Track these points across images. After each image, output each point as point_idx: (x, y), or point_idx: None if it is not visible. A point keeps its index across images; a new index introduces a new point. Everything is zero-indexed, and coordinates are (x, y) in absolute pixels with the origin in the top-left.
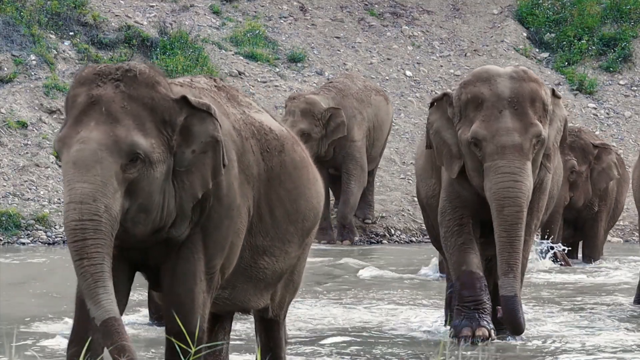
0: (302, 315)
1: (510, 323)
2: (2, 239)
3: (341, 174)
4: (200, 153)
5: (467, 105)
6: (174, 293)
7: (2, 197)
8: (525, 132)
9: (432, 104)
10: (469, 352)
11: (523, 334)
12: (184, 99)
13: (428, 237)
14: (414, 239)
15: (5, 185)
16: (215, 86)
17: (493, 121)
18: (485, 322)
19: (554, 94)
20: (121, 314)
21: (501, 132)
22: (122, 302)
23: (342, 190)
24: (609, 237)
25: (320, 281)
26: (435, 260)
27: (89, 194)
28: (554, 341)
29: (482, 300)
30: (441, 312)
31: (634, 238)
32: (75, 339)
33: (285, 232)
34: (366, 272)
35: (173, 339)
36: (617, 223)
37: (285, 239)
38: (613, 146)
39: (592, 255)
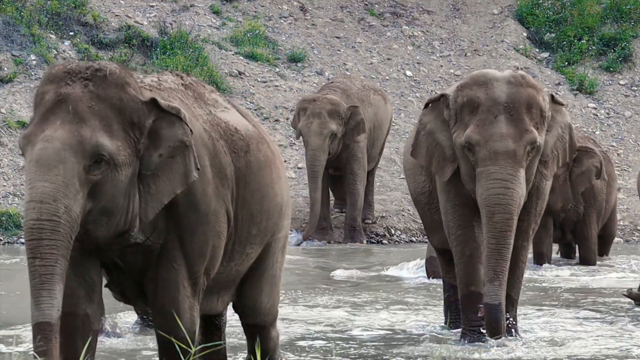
0: (298, 316)
1: (491, 330)
2: (2, 239)
3: (345, 174)
4: (168, 157)
5: (463, 108)
6: (158, 303)
7: (2, 197)
8: (520, 139)
9: (427, 105)
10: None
11: (524, 334)
12: (153, 102)
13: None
14: (414, 239)
15: (5, 185)
16: (182, 84)
17: (487, 126)
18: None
19: (554, 100)
20: (102, 315)
21: (495, 138)
22: (96, 300)
23: (349, 192)
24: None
25: (312, 282)
26: (409, 264)
27: (50, 193)
28: (554, 342)
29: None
30: (437, 314)
31: (634, 238)
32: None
33: (248, 234)
34: (341, 273)
35: (172, 339)
36: (617, 223)
37: (247, 241)
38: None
39: (586, 257)
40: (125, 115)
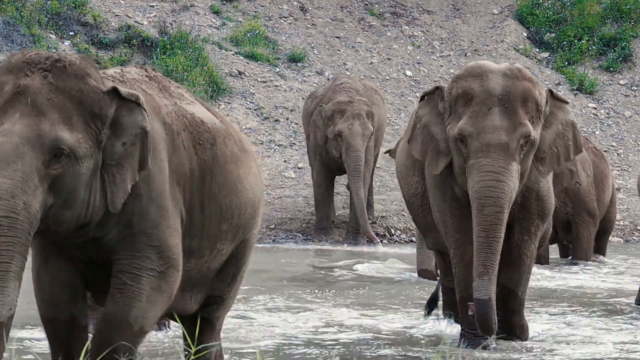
0: (297, 317)
1: (482, 326)
2: None
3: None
4: (131, 145)
5: (457, 100)
6: (120, 282)
7: None
8: (513, 132)
9: (422, 97)
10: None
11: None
12: (114, 91)
13: None
14: (414, 239)
15: None
16: (146, 76)
17: (481, 118)
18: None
19: (555, 96)
20: (84, 311)
21: (487, 130)
22: (80, 298)
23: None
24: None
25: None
26: (380, 265)
27: (8, 189)
28: (555, 342)
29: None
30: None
31: (634, 238)
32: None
33: (217, 230)
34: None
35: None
36: (617, 223)
37: (217, 237)
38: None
39: (578, 256)
40: (86, 107)
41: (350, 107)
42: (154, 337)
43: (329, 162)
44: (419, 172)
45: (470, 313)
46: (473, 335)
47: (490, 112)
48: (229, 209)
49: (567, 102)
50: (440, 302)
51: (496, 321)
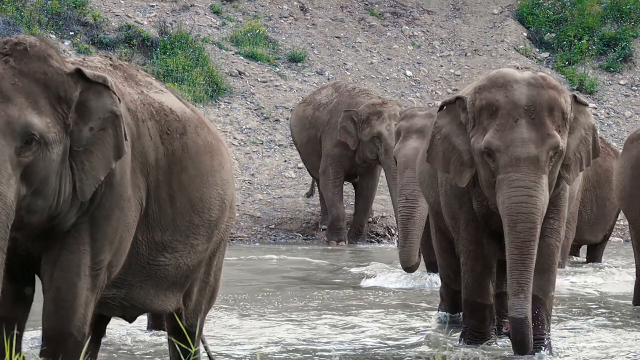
0: (298, 318)
1: (518, 346)
2: None
3: (365, 181)
4: (99, 130)
5: (482, 112)
6: (54, 288)
7: None
8: (542, 144)
9: (441, 107)
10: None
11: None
12: (78, 72)
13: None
14: None
15: None
16: (111, 65)
17: (508, 131)
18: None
19: (577, 100)
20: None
21: (516, 143)
22: (25, 295)
23: (366, 197)
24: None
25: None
26: (380, 277)
27: None
28: (555, 342)
29: (486, 331)
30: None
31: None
32: None
33: (189, 223)
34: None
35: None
36: (617, 223)
37: (189, 231)
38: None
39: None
40: (51, 90)
41: (386, 108)
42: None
43: (346, 168)
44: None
45: (504, 330)
46: (472, 337)
47: (517, 124)
48: (200, 202)
49: (588, 105)
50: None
51: (532, 340)
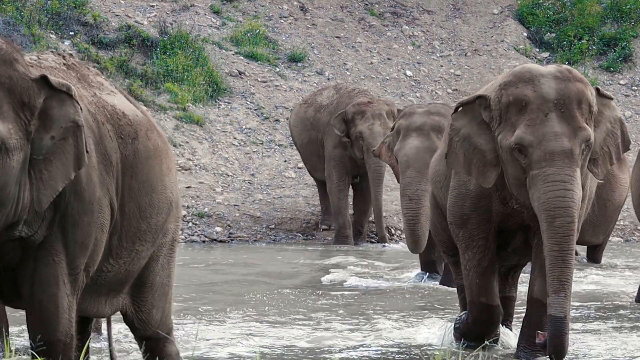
0: (298, 317)
1: (555, 345)
2: None
3: (365, 179)
4: (60, 139)
5: (509, 108)
6: (35, 300)
7: None
8: (574, 137)
9: (457, 109)
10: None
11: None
12: (43, 79)
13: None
14: None
15: None
16: (64, 64)
17: (539, 125)
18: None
19: (601, 93)
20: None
21: (549, 137)
22: None
23: (366, 199)
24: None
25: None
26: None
27: None
28: None
29: (492, 331)
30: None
31: (634, 238)
32: None
33: (137, 229)
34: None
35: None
36: (617, 223)
37: (135, 237)
38: None
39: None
40: (15, 95)
41: (370, 108)
42: None
43: (348, 169)
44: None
45: (538, 341)
46: (477, 338)
47: (548, 118)
48: (149, 208)
49: (612, 98)
50: None
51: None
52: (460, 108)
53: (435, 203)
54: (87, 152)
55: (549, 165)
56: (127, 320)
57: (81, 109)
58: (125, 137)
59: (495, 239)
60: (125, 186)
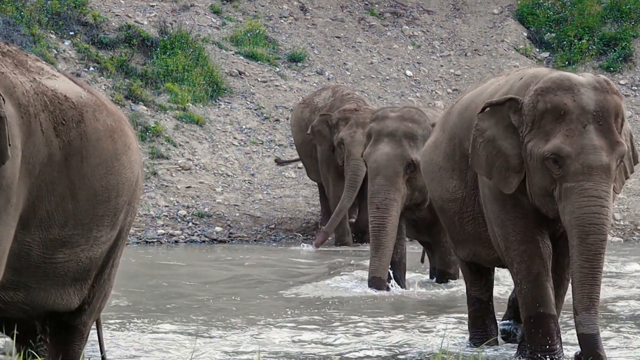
0: (298, 317)
1: None
2: None
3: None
4: None
5: (545, 115)
6: None
7: None
8: (612, 151)
9: (484, 108)
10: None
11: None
12: None
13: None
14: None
15: None
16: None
17: (577, 137)
18: None
19: None
20: None
21: (588, 150)
22: None
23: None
24: (609, 237)
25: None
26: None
27: None
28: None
29: (556, 349)
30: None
31: (634, 238)
32: None
33: (93, 215)
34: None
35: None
36: (617, 223)
37: (92, 224)
38: None
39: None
40: None
41: (354, 115)
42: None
43: (341, 173)
44: (459, 175)
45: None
46: (544, 355)
47: (586, 130)
48: (105, 191)
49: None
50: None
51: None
52: (488, 108)
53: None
54: (10, 145)
55: (587, 180)
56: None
57: (4, 99)
58: (67, 121)
59: (541, 241)
60: (74, 173)
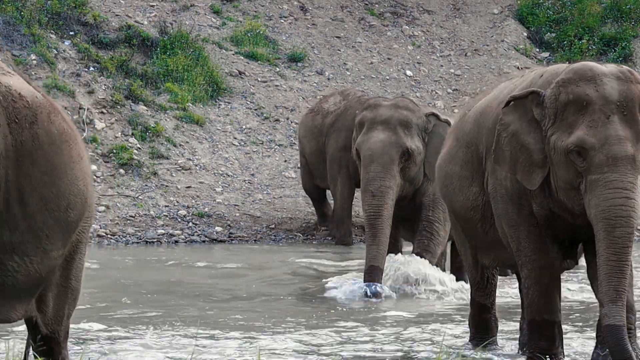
0: (298, 317)
1: (617, 353)
2: None
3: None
4: None
5: (567, 106)
6: None
7: None
8: (637, 142)
9: (508, 103)
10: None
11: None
12: None
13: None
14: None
15: None
16: None
17: (601, 127)
18: None
19: None
20: None
21: (612, 141)
22: None
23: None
24: None
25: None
26: (350, 286)
27: None
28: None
29: (557, 353)
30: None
31: (634, 238)
32: None
33: (43, 224)
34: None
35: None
36: None
37: (42, 233)
38: None
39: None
40: None
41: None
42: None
43: (351, 174)
44: (478, 182)
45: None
46: (544, 356)
47: (610, 120)
48: (55, 199)
49: None
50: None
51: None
52: (512, 102)
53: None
54: None
55: (612, 171)
56: (28, 321)
57: None
58: (21, 120)
59: (554, 252)
60: (24, 175)
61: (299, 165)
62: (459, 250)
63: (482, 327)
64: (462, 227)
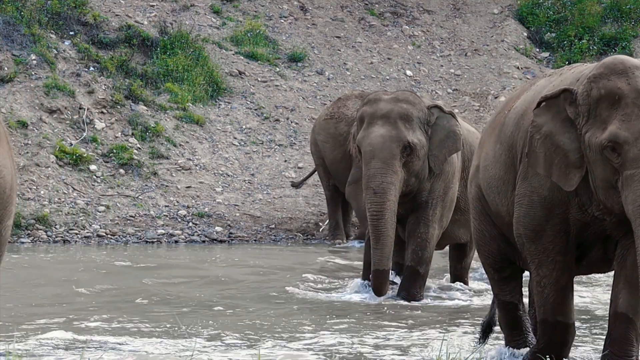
0: (298, 317)
1: None
2: None
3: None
4: None
5: (599, 102)
6: None
7: None
8: None
9: (539, 103)
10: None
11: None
12: None
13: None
14: None
15: None
16: None
17: (635, 121)
18: None
19: None
20: None
21: None
22: None
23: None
24: None
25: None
26: (357, 282)
27: None
28: None
29: (566, 357)
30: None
31: None
32: None
33: None
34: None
35: None
36: None
37: None
38: None
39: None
40: None
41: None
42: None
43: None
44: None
45: None
46: (553, 355)
47: None
48: None
49: None
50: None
51: None
52: (544, 103)
53: (482, 210)
54: None
55: None
56: None
57: None
58: None
59: (574, 253)
60: None
61: (299, 165)
62: (478, 244)
63: (516, 326)
64: (506, 230)
